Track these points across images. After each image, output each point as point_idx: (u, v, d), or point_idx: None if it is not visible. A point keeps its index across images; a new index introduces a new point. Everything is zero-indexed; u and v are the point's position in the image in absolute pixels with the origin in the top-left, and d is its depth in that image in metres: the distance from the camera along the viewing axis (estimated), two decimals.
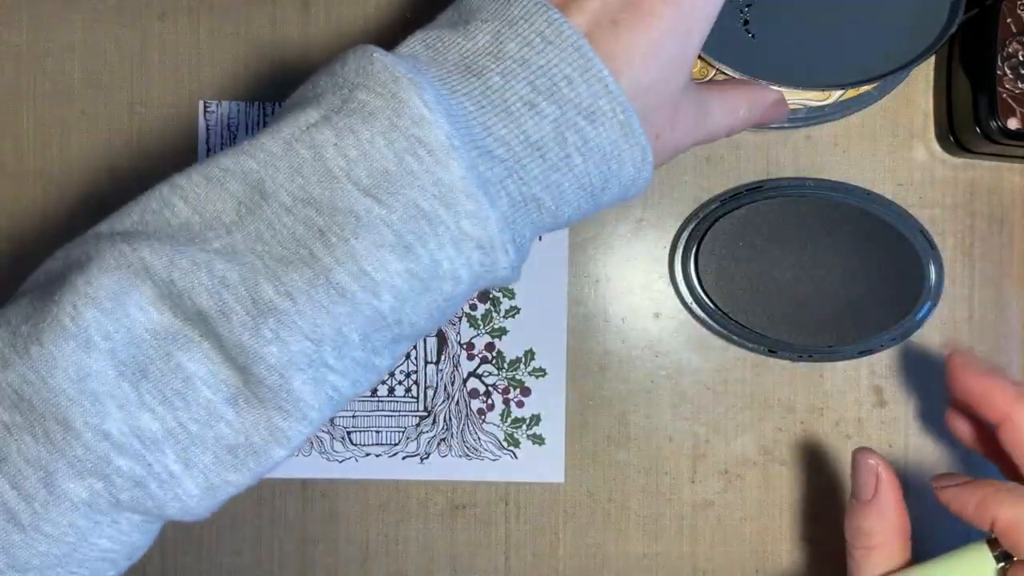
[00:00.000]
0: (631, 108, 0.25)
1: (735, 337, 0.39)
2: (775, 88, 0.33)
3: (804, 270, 0.38)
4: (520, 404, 0.40)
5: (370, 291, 0.24)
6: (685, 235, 0.39)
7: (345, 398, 0.25)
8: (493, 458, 0.40)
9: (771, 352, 0.39)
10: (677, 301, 0.40)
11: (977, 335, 0.40)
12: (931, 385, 0.40)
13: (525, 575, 0.40)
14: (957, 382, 0.32)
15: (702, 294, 0.39)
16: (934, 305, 0.39)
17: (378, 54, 0.24)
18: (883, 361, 0.40)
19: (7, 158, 0.40)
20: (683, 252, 0.39)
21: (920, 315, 0.39)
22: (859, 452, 0.32)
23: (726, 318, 0.39)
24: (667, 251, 0.40)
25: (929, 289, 0.38)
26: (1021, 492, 0.29)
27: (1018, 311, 0.40)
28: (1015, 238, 0.40)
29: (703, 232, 0.39)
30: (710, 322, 0.39)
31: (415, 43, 0.26)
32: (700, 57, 0.36)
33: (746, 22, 0.36)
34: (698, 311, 0.39)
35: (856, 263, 0.38)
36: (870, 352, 0.39)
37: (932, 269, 0.38)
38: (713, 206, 0.39)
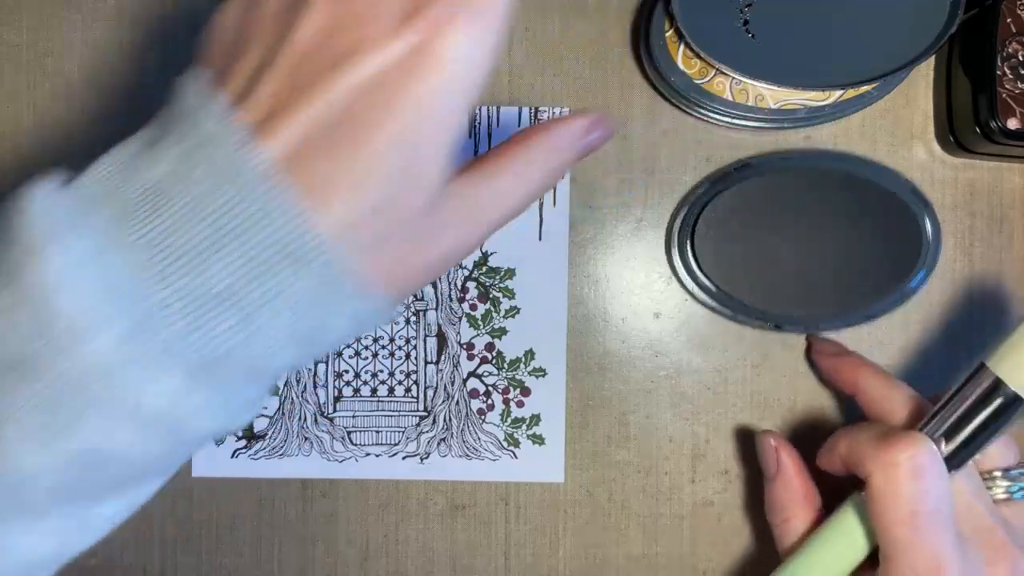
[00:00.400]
0: (334, 247, 0.22)
1: (740, 316, 0.39)
2: (583, 117, 0.27)
3: (801, 241, 0.38)
4: (520, 404, 0.40)
5: (28, 479, 0.21)
6: (678, 222, 0.39)
7: (67, 554, 0.24)
8: (493, 458, 0.40)
9: (777, 328, 0.39)
10: (677, 301, 0.40)
11: (977, 335, 0.40)
12: (928, 383, 0.40)
13: (525, 575, 0.40)
14: (818, 362, 0.38)
15: (703, 277, 0.39)
16: (935, 259, 0.39)
17: (33, 195, 0.22)
18: (883, 362, 0.40)
19: (7, 158, 0.40)
20: (679, 238, 0.39)
21: (922, 271, 0.38)
22: (761, 435, 0.36)
23: (729, 298, 0.39)
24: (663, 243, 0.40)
25: (927, 243, 0.38)
26: (860, 426, 0.33)
27: (1019, 311, 0.40)
28: (1015, 238, 0.40)
29: (696, 216, 0.39)
30: (714, 304, 0.39)
31: (102, 167, 0.22)
32: (700, 57, 0.37)
33: (746, 22, 0.36)
34: (701, 295, 0.39)
35: (852, 228, 0.38)
36: (875, 317, 0.39)
37: (927, 223, 0.38)
38: (702, 189, 0.39)
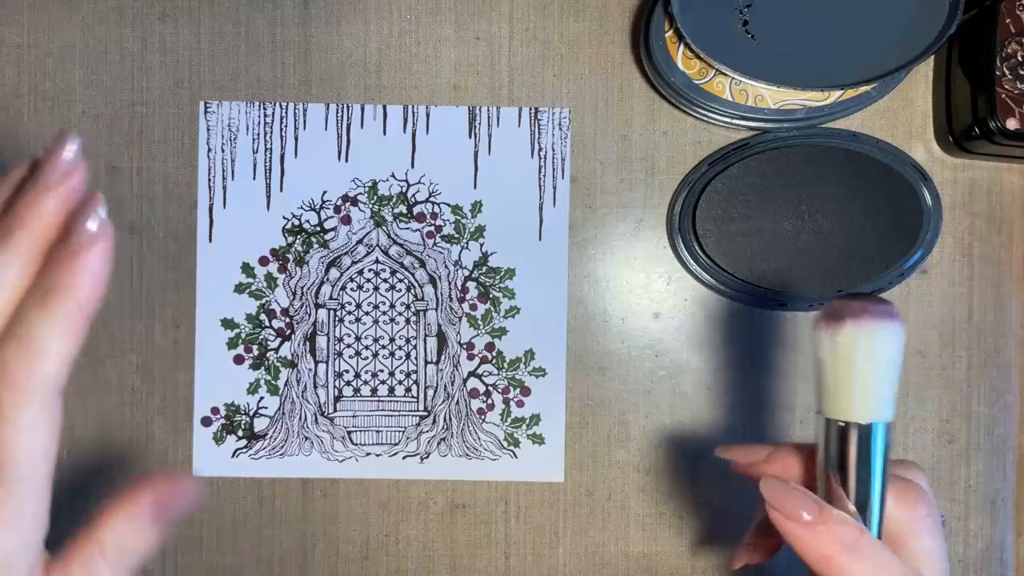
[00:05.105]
0: None
1: (744, 295, 0.39)
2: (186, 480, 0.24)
3: (803, 219, 0.39)
4: (520, 404, 0.40)
5: None
6: (679, 204, 0.39)
7: None
8: (493, 458, 0.40)
9: (782, 307, 0.39)
10: (677, 301, 0.40)
11: (977, 335, 0.40)
12: (926, 377, 0.40)
13: (525, 575, 0.40)
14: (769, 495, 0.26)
15: (705, 258, 0.39)
16: (937, 229, 0.39)
17: None
18: None
19: (7, 158, 0.40)
20: (680, 220, 0.39)
21: (924, 241, 0.39)
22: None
23: (732, 277, 0.39)
24: (667, 249, 0.40)
25: (928, 212, 0.38)
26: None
27: (1018, 311, 0.40)
28: (1015, 238, 0.40)
29: (696, 197, 0.39)
30: (717, 284, 0.39)
31: None
32: (700, 57, 0.37)
33: (746, 22, 0.36)
34: (704, 275, 0.39)
35: (852, 203, 0.38)
36: (881, 291, 0.39)
37: (926, 194, 0.38)
38: (702, 170, 0.39)
